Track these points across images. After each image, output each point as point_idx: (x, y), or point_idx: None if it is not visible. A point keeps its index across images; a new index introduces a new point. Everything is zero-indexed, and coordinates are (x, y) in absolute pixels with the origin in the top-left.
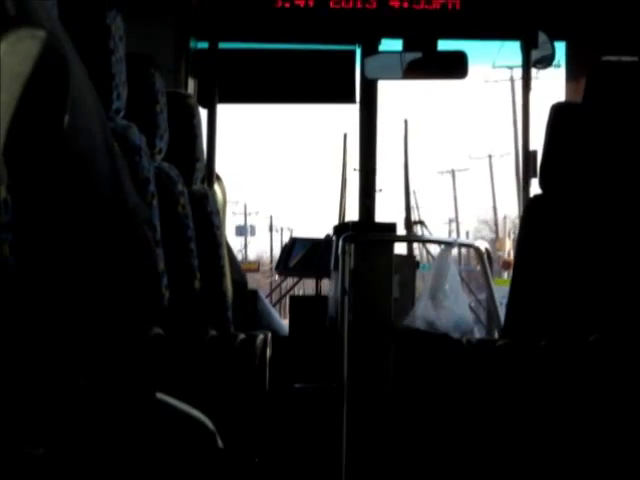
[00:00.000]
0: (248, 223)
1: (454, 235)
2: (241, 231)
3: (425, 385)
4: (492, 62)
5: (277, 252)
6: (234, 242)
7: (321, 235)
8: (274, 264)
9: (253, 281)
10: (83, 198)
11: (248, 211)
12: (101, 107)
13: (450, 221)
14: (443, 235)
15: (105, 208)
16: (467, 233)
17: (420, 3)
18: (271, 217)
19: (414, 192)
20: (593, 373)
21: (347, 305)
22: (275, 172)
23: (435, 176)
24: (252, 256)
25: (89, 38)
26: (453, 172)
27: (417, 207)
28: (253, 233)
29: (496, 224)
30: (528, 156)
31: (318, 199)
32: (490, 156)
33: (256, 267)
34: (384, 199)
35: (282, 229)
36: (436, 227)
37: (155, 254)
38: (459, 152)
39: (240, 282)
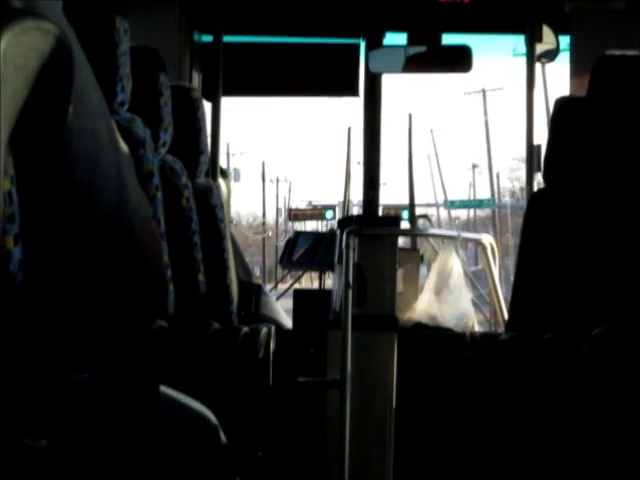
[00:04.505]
0: (231, 166)
1: (481, 179)
2: None
3: (429, 379)
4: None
5: (270, 205)
6: None
7: (322, 197)
8: (267, 219)
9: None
10: (86, 197)
11: (231, 151)
12: (105, 104)
13: (474, 167)
14: (465, 184)
15: (108, 207)
16: (497, 175)
17: None
18: (263, 164)
19: (431, 131)
20: (597, 366)
21: (351, 299)
22: (266, 115)
23: (461, 98)
24: (243, 212)
25: (94, 31)
26: (484, 92)
27: (436, 153)
28: (237, 178)
29: None
30: (532, 150)
31: (317, 151)
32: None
33: None
34: (388, 192)
35: (277, 179)
36: (458, 174)
37: (161, 248)
38: (493, 68)
39: (244, 275)
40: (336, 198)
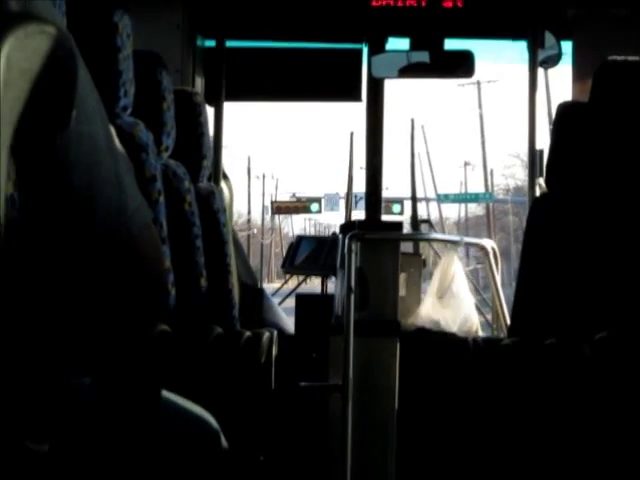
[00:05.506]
0: None
1: (473, 177)
2: None
3: (431, 384)
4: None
5: (256, 203)
6: None
7: (307, 189)
8: (252, 215)
9: None
10: (84, 202)
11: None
12: (103, 109)
13: (466, 164)
14: (456, 182)
15: (106, 212)
16: (491, 172)
17: (427, 2)
18: (249, 159)
19: (422, 127)
20: (600, 371)
21: (353, 303)
22: (250, 106)
23: (454, 90)
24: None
25: (96, 35)
26: (479, 84)
27: (427, 150)
28: None
29: None
30: (534, 155)
31: (302, 143)
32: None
33: None
34: (390, 196)
35: (264, 176)
36: (449, 173)
37: (161, 252)
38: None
39: (247, 280)
40: (322, 190)
